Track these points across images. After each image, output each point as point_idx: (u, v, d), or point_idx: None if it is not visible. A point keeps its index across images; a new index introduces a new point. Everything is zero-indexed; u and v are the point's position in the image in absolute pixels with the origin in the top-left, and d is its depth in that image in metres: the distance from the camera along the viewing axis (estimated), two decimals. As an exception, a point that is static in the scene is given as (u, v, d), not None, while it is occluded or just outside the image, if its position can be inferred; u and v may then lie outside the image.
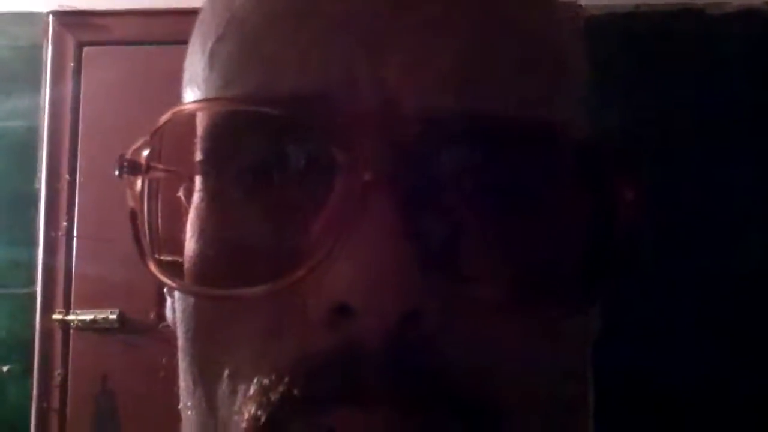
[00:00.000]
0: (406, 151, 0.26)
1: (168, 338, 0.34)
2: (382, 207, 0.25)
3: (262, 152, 0.28)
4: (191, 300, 0.30)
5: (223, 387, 0.28)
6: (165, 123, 0.29)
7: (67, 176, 1.75)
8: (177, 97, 0.34)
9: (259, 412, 0.26)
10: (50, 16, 1.79)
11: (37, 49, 1.84)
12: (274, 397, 0.26)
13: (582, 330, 0.31)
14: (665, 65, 1.80)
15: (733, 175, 1.75)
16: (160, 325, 1.50)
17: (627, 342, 1.58)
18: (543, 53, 0.30)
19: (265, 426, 0.26)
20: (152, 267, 0.29)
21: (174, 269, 0.30)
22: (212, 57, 0.30)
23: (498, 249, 0.27)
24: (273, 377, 0.26)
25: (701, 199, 1.75)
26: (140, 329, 1.67)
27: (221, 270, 0.29)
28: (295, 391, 0.26)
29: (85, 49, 1.78)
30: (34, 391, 1.73)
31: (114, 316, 1.70)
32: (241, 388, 0.27)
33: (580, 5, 1.65)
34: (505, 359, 0.27)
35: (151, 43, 1.70)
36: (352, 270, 0.25)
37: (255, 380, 0.27)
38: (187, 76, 0.33)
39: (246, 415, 0.27)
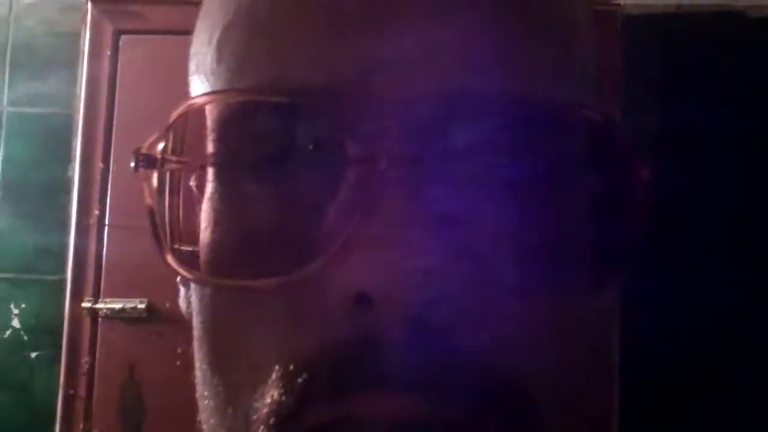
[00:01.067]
0: (421, 137, 0.26)
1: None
2: (398, 196, 0.25)
3: (273, 143, 0.27)
4: (208, 290, 0.29)
5: (242, 375, 0.28)
6: (178, 117, 0.28)
7: (100, 164, 1.75)
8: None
9: (283, 397, 0.26)
10: (89, 4, 1.79)
11: (76, 36, 1.85)
12: (298, 383, 0.26)
13: (602, 312, 0.31)
14: (704, 67, 1.76)
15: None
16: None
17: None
18: (555, 30, 0.29)
19: (292, 411, 0.26)
20: (170, 260, 0.29)
21: (193, 259, 0.29)
22: (220, 47, 0.29)
23: (517, 233, 0.27)
24: (295, 365, 0.27)
25: (742, 202, 1.71)
26: (169, 320, 1.67)
27: (236, 261, 0.28)
28: (319, 379, 0.26)
29: (123, 37, 1.78)
30: (61, 378, 1.73)
31: (143, 306, 1.70)
32: (261, 375, 0.27)
33: (618, 4, 1.62)
34: (528, 343, 0.27)
35: (188, 33, 1.69)
36: (369, 260, 0.25)
37: (276, 368, 0.27)
38: (193, 65, 0.32)
39: (269, 400, 0.27)
